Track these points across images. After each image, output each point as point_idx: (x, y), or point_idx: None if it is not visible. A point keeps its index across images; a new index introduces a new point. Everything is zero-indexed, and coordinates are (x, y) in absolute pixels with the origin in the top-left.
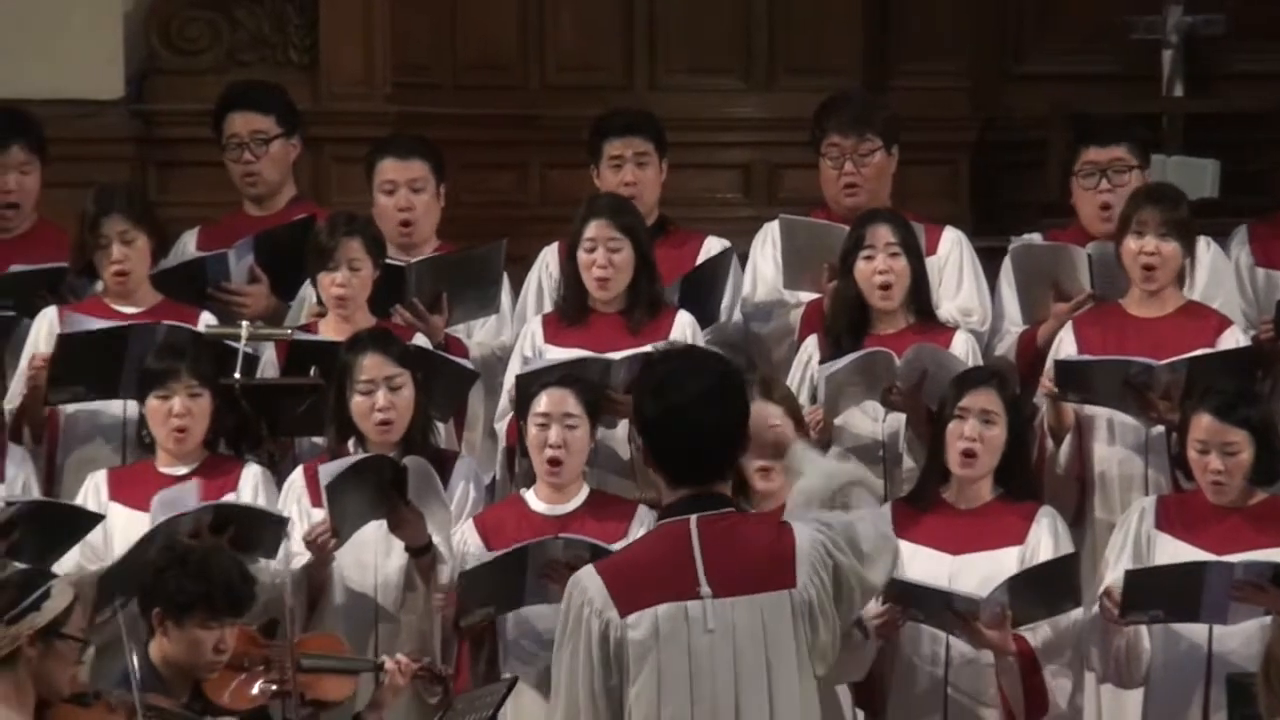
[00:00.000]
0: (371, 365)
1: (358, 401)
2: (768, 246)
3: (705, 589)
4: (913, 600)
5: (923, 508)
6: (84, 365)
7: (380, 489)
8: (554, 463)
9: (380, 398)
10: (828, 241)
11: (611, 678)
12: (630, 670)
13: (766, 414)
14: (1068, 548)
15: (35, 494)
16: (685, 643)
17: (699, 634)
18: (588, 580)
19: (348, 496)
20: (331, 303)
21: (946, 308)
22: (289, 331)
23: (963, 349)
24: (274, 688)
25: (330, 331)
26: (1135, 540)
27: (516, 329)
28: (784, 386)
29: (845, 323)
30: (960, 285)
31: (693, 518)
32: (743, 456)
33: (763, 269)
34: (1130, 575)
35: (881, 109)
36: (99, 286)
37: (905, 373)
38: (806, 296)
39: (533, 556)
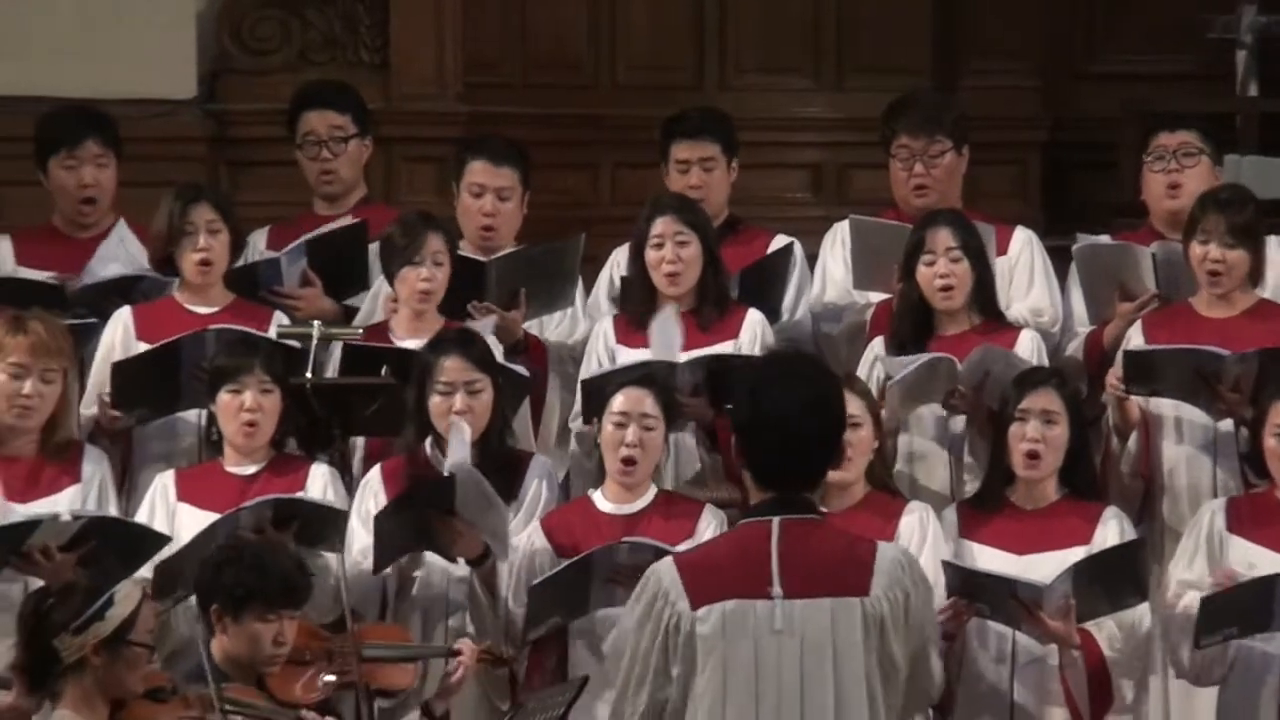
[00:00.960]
0: (452, 368)
1: (435, 402)
2: (837, 247)
3: (776, 589)
4: (976, 590)
5: (988, 509)
6: (141, 388)
7: (429, 514)
8: (628, 462)
9: (458, 400)
10: (898, 242)
11: (677, 667)
12: (698, 663)
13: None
14: None
15: (111, 494)
16: (752, 640)
17: (766, 633)
18: (664, 570)
19: (396, 528)
20: (414, 298)
21: (1017, 308)
22: (359, 331)
23: (1028, 347)
24: (336, 679)
25: (402, 329)
26: (1208, 543)
27: (585, 328)
28: (862, 381)
29: (909, 325)
30: (1031, 285)
31: (775, 519)
32: (836, 464)
33: (832, 269)
34: (1205, 603)
35: (951, 109)
36: (171, 286)
37: (969, 375)
38: (876, 297)
39: (597, 563)
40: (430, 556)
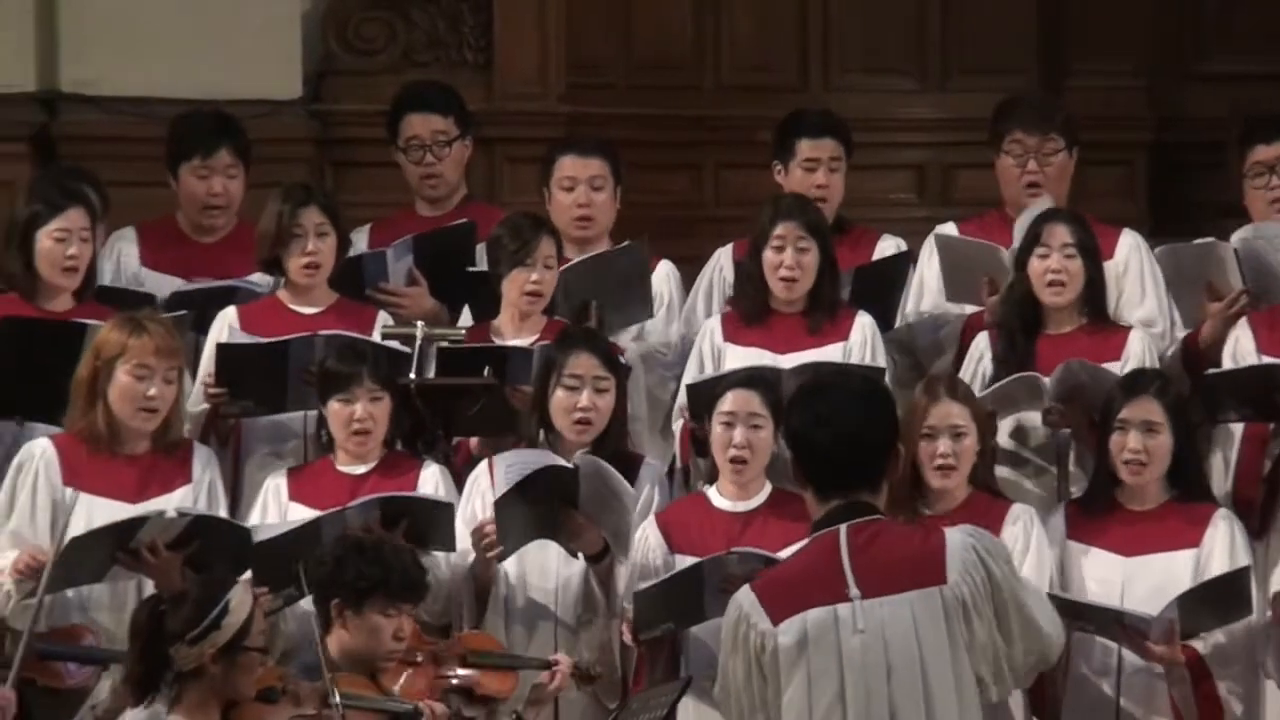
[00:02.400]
0: (582, 363)
1: (560, 396)
2: (933, 257)
3: (854, 591)
4: (1083, 616)
5: (1096, 511)
6: (247, 380)
7: (550, 503)
8: (737, 461)
9: (584, 396)
10: (981, 258)
11: (769, 689)
12: (783, 678)
13: (949, 412)
14: (1243, 552)
15: (220, 494)
16: (835, 645)
17: (849, 635)
18: (743, 597)
19: (517, 513)
20: (523, 300)
21: (1130, 318)
22: (462, 332)
23: (1138, 349)
24: (455, 681)
25: (507, 329)
26: None
27: (684, 328)
28: (966, 386)
29: (1018, 320)
30: (1144, 296)
31: (842, 526)
32: (894, 470)
33: (927, 279)
34: None
35: (1063, 109)
36: (269, 285)
37: (1058, 390)
38: (970, 308)
39: (708, 572)
40: (533, 565)
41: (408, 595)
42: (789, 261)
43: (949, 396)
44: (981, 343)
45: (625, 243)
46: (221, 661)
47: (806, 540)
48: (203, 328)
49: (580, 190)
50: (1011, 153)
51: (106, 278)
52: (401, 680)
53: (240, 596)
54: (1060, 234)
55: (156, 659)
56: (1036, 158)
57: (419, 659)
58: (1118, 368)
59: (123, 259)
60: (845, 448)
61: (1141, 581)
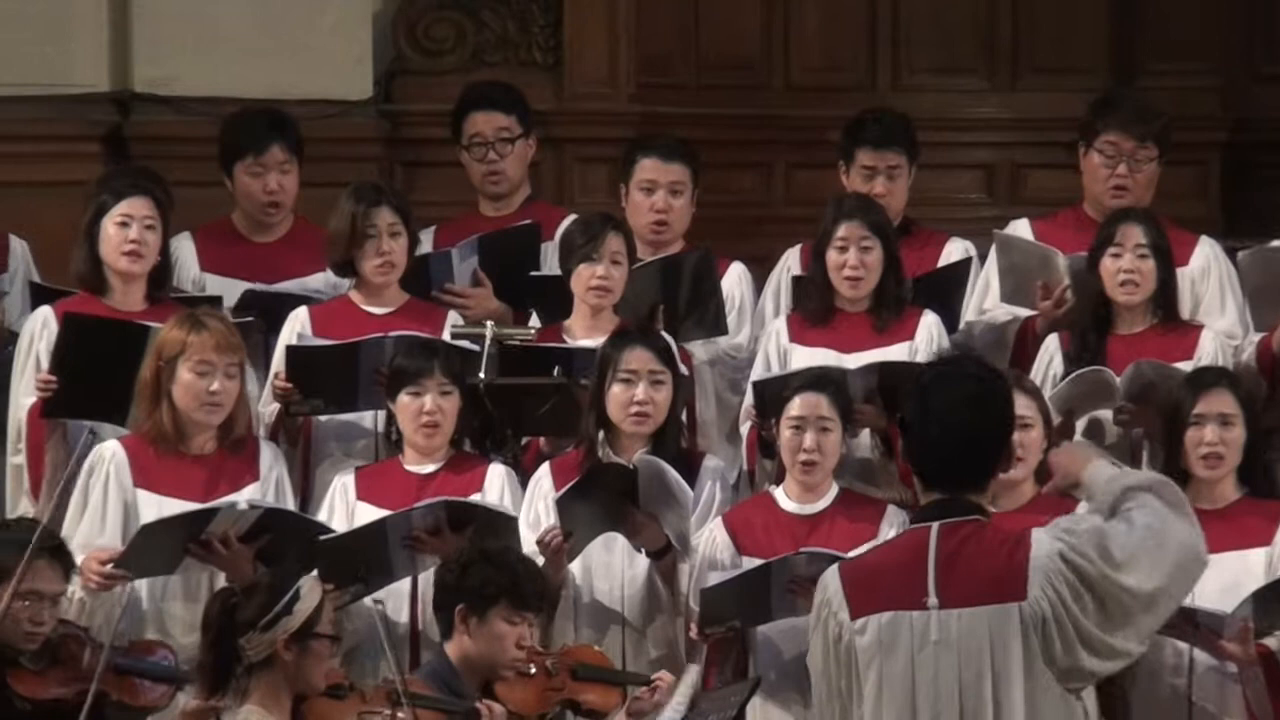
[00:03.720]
0: (637, 357)
1: (615, 392)
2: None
3: (932, 599)
4: None
5: None
6: (318, 379)
7: (611, 501)
8: (807, 465)
9: (640, 390)
10: (1040, 262)
11: (844, 678)
12: (860, 675)
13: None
14: None
15: (288, 491)
16: (909, 652)
17: (922, 644)
18: (830, 579)
19: (578, 511)
20: (589, 296)
21: (1211, 328)
22: (532, 332)
23: (1211, 348)
24: (556, 695)
25: (577, 328)
26: None
27: (755, 330)
28: (1032, 381)
29: (1090, 319)
30: (1224, 308)
31: (935, 525)
32: (1005, 468)
33: (990, 278)
34: None
35: (1161, 117)
36: (330, 291)
37: (1129, 389)
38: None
39: (775, 573)
40: (598, 563)
41: (533, 603)
42: (853, 261)
43: (1015, 386)
44: (1051, 343)
45: (696, 247)
46: (294, 648)
47: (904, 529)
48: (274, 328)
49: (660, 195)
50: (1104, 152)
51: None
52: (518, 692)
53: (311, 584)
54: (1134, 234)
55: (228, 651)
56: (1129, 162)
57: (532, 670)
58: (1189, 367)
59: (182, 263)
60: (951, 442)
61: (1214, 580)
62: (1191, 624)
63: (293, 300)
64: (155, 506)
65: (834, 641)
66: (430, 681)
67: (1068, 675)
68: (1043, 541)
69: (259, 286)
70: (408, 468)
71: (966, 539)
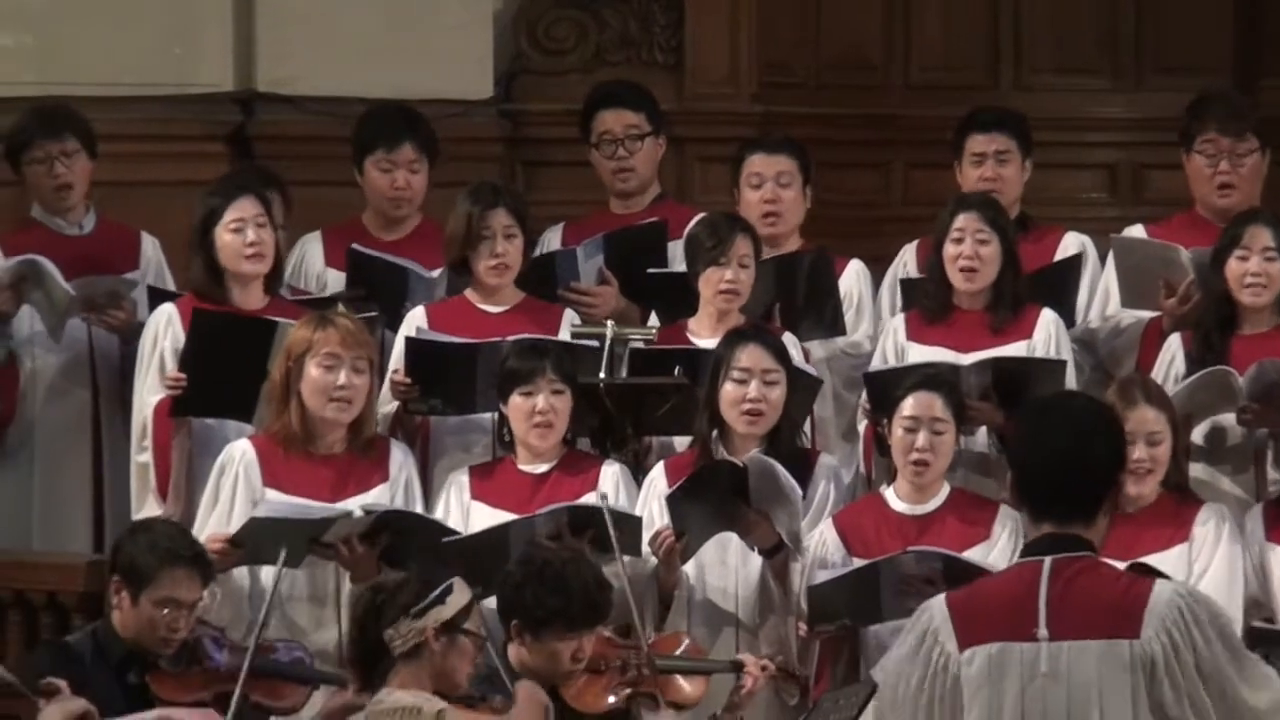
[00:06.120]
0: (750, 356)
1: (728, 390)
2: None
3: (1042, 631)
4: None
5: None
6: (437, 376)
7: (723, 499)
8: (920, 465)
9: (753, 389)
10: (1159, 260)
11: (942, 710)
12: (965, 707)
13: (1145, 418)
14: None
15: (417, 490)
16: (1018, 684)
17: (1031, 676)
18: (936, 609)
19: (690, 510)
20: (718, 299)
21: None
22: (653, 332)
23: None
24: (630, 690)
25: (702, 328)
26: None
27: (873, 327)
28: (1162, 391)
29: (1214, 319)
30: None
31: (1048, 559)
32: (1114, 504)
33: (1112, 286)
34: None
35: (1257, 110)
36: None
37: (1253, 389)
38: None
39: (885, 572)
40: (712, 560)
41: (588, 621)
42: (967, 252)
43: (1145, 401)
44: (1174, 344)
45: (813, 246)
46: (443, 639)
47: (1013, 563)
48: (374, 296)
49: (768, 187)
50: (1204, 152)
51: (288, 278)
52: (587, 691)
53: (461, 584)
54: (1262, 237)
55: (376, 643)
56: (1230, 158)
57: (602, 667)
58: None
59: (307, 260)
60: (1061, 475)
61: None
62: None
63: (395, 270)
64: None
65: (939, 671)
66: (482, 684)
67: None
68: (1165, 589)
69: (363, 248)
70: (521, 467)
71: (1081, 573)
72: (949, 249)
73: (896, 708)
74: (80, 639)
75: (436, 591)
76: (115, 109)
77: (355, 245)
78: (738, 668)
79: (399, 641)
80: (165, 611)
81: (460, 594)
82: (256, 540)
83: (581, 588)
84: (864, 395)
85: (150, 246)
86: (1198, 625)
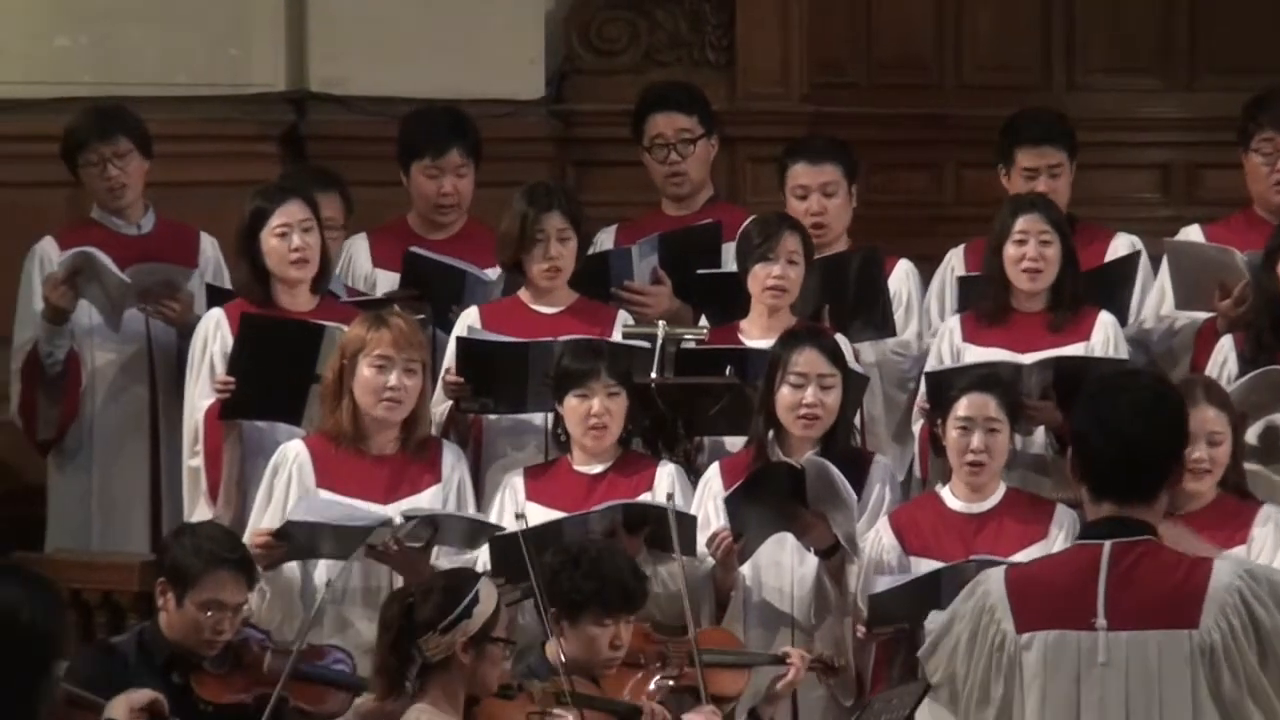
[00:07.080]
0: (807, 360)
1: (785, 394)
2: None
3: (1101, 620)
4: None
5: None
6: (488, 375)
7: (780, 501)
8: (974, 465)
9: (809, 393)
10: (1215, 262)
11: (1001, 687)
12: (1023, 689)
13: (1206, 418)
14: None
15: (469, 492)
16: (1075, 673)
17: (1089, 665)
18: (994, 584)
19: (747, 511)
20: (765, 296)
21: None
22: (705, 332)
23: None
24: (671, 683)
25: (753, 328)
26: None
27: (918, 327)
28: (1223, 391)
29: (1267, 319)
30: None
31: (1107, 543)
32: (1176, 483)
33: (1166, 288)
34: None
35: None
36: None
37: None
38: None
39: (946, 580)
40: (767, 561)
41: (623, 607)
42: (1032, 253)
43: (1206, 401)
44: (1226, 344)
45: (861, 246)
46: (472, 651)
47: (1072, 544)
48: (427, 297)
49: (814, 199)
50: (1261, 151)
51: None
52: (628, 685)
53: (488, 588)
54: None
55: (405, 651)
56: None
57: (641, 660)
58: None
59: (355, 260)
60: (1123, 456)
61: None
62: None
63: (452, 272)
64: None
65: (995, 648)
66: (531, 676)
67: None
68: (1224, 572)
69: (421, 251)
70: (576, 468)
71: (1140, 559)
72: (1011, 250)
73: (948, 684)
74: (125, 640)
75: (463, 604)
76: (170, 109)
77: (414, 248)
78: (780, 660)
79: (429, 654)
80: (209, 614)
81: (485, 603)
82: (297, 539)
83: (615, 573)
84: (921, 394)
85: (209, 245)
86: (1259, 601)
